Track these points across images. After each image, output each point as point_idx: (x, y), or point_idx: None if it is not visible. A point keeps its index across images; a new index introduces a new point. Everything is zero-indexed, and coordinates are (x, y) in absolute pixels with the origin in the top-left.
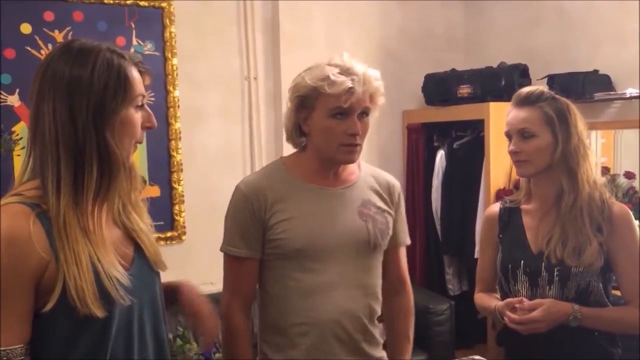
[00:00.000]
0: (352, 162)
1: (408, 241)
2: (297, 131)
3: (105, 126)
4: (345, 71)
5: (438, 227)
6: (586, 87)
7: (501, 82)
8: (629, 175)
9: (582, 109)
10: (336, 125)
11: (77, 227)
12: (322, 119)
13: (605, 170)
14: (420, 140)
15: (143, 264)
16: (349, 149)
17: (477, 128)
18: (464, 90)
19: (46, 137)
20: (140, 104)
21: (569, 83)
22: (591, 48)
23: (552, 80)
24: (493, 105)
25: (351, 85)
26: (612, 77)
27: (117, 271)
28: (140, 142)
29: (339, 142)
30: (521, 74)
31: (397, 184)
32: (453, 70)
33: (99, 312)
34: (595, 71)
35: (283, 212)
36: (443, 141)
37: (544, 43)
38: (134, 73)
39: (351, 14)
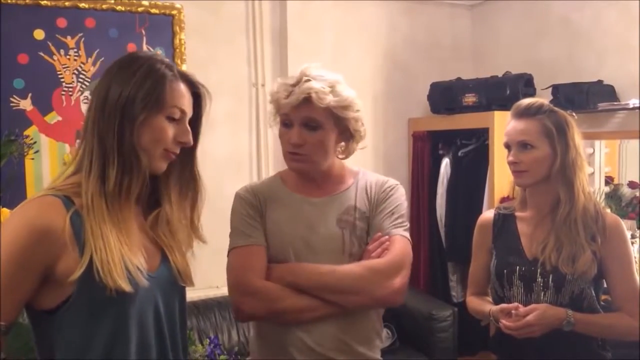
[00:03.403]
0: (297, 170)
1: (400, 233)
2: None
3: (129, 125)
4: (293, 82)
5: (442, 234)
6: (590, 97)
7: (506, 91)
8: (633, 185)
9: (586, 118)
10: (284, 133)
11: (104, 210)
12: (279, 127)
13: (609, 180)
14: (426, 148)
15: (166, 274)
16: (292, 157)
17: (482, 136)
18: (469, 99)
19: (87, 131)
20: (176, 117)
21: (573, 93)
22: (596, 59)
23: (556, 90)
24: (498, 114)
25: (285, 94)
26: (616, 88)
27: (138, 258)
28: (172, 152)
29: (285, 149)
30: (526, 83)
31: (389, 183)
32: (459, 79)
33: (125, 286)
34: (600, 82)
35: (268, 218)
36: (448, 149)
37: (550, 53)
38: (176, 85)
39: (358, 24)
